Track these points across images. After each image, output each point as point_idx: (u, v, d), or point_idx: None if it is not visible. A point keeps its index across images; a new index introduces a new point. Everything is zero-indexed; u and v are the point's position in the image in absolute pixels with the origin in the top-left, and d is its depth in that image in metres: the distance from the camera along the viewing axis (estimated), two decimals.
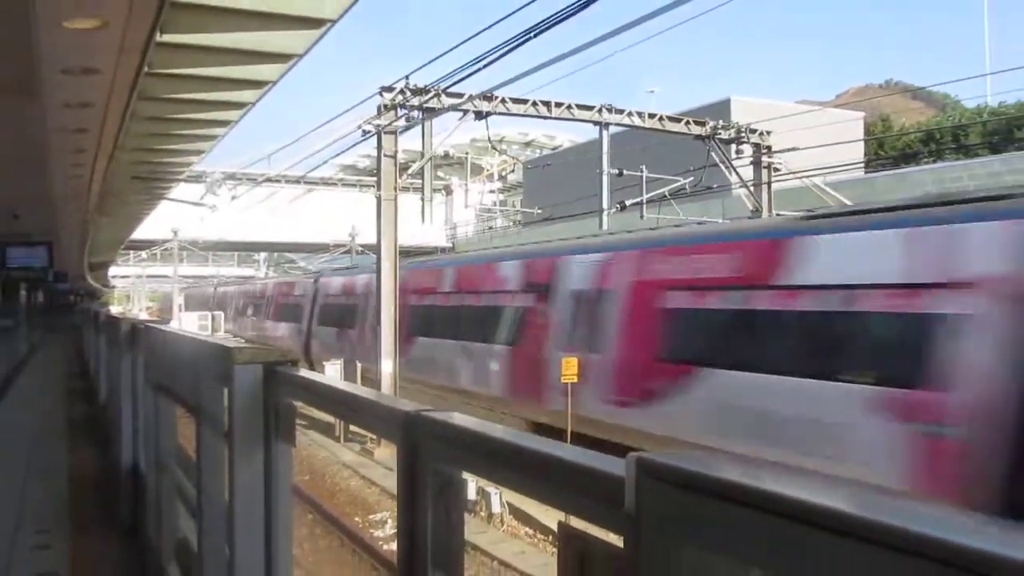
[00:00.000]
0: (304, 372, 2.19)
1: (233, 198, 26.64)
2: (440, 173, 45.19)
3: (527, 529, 11.51)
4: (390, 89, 15.50)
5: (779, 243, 9.54)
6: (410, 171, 17.54)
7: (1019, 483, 6.72)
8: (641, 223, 18.49)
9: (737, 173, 19.49)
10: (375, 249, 17.01)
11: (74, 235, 17.35)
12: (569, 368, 11.53)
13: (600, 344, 11.66)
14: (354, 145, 18.56)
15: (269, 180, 26.76)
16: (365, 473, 14.85)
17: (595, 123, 18.40)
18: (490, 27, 10.85)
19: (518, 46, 10.86)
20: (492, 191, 49.45)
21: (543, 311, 13.49)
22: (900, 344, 8.13)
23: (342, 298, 22.20)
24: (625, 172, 19.05)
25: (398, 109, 15.52)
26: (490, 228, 39.76)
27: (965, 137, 31.90)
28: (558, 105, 17.50)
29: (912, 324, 7.89)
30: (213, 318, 37.72)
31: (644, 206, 19.28)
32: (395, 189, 16.07)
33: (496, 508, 11.84)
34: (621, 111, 18.26)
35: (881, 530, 0.61)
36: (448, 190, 41.27)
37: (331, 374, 17.19)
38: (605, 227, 18.35)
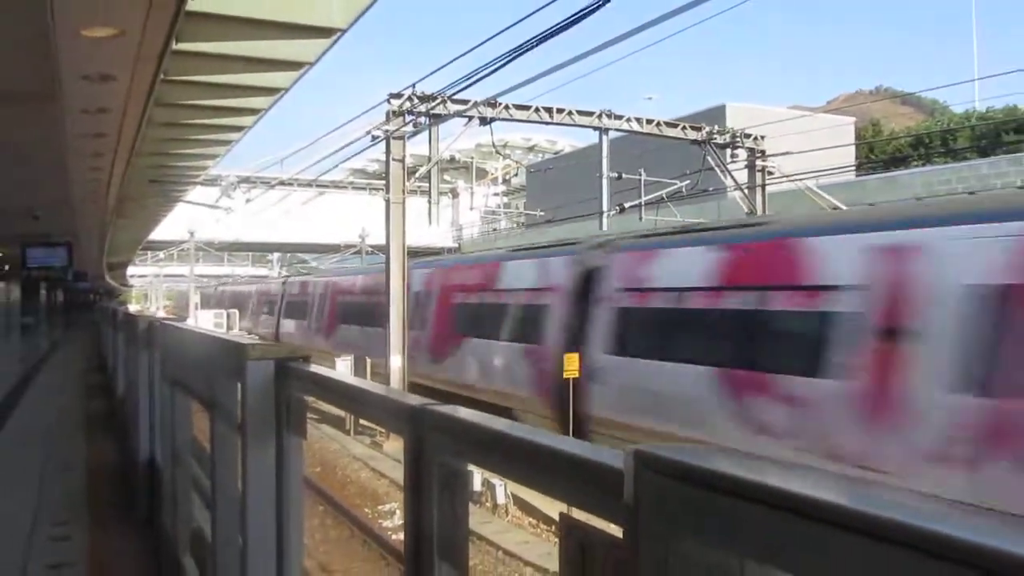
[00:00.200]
0: (314, 368, 2.20)
1: (247, 200, 26.94)
2: (446, 177, 45.35)
3: (531, 519, 11.60)
4: (398, 96, 15.73)
5: (496, 265, 16.27)
6: (418, 175, 17.73)
7: None
8: (640, 225, 18.81)
9: (732, 177, 19.71)
10: (384, 250, 17.23)
11: (93, 236, 17.58)
12: (571, 364, 11.54)
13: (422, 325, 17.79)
14: (364, 150, 18.89)
15: (282, 183, 27.00)
16: (374, 465, 14.96)
17: (595, 128, 18.66)
18: (493, 37, 11.06)
19: (520, 55, 11.03)
20: (496, 194, 49.63)
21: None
22: (519, 319, 14.62)
23: (299, 296, 30.10)
24: (624, 175, 19.34)
25: (406, 115, 15.75)
26: (494, 230, 40.07)
27: (954, 141, 31.86)
28: (559, 111, 17.76)
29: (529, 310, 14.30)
30: (228, 316, 38.07)
31: (643, 208, 19.66)
32: (403, 192, 16.31)
33: (501, 499, 11.93)
34: (620, 117, 18.48)
35: (877, 523, 0.61)
36: (454, 193, 41.62)
37: (342, 370, 17.41)
38: (605, 228, 18.56)
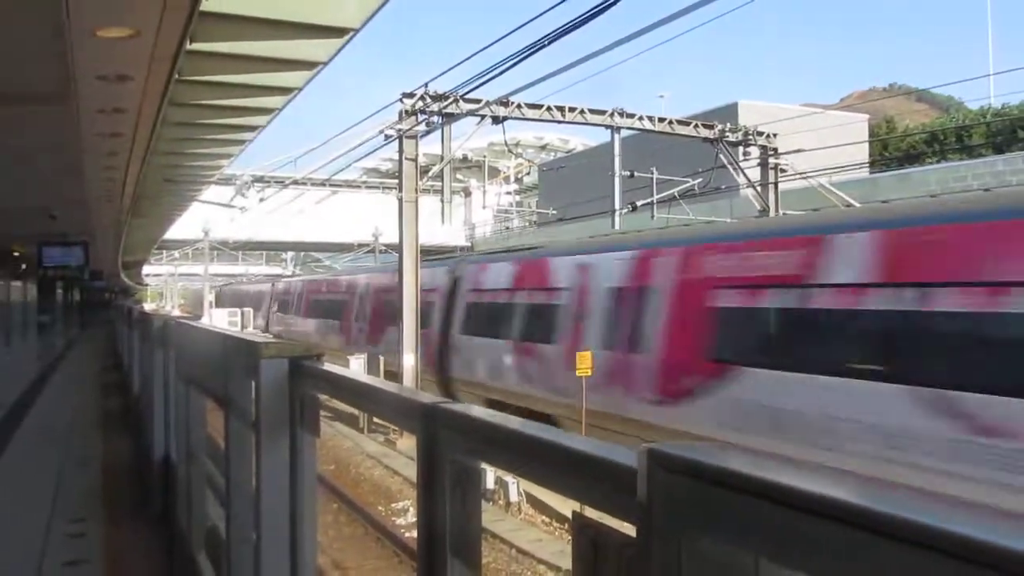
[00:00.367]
0: (328, 366, 2.22)
1: (261, 200, 27.07)
2: (459, 176, 45.46)
3: (544, 517, 11.60)
4: (411, 95, 15.76)
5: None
6: (430, 174, 17.79)
7: None
8: (652, 223, 18.81)
9: (744, 174, 19.61)
10: (397, 248, 17.28)
11: (109, 235, 17.73)
12: (583, 362, 11.66)
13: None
14: (377, 149, 18.98)
15: (296, 183, 27.12)
16: (388, 463, 15.00)
17: (607, 127, 18.63)
18: (505, 36, 11.09)
19: (532, 53, 11.03)
20: (509, 193, 49.74)
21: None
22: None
23: (284, 295, 34.72)
24: (636, 174, 19.29)
25: (418, 114, 15.79)
26: (507, 228, 40.16)
27: (968, 138, 31.47)
28: (571, 110, 17.74)
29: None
30: (243, 314, 38.31)
31: (655, 207, 19.64)
32: (416, 191, 16.36)
33: (514, 497, 11.94)
34: (632, 115, 18.44)
35: (891, 522, 0.61)
36: (467, 192, 41.76)
37: (355, 368, 17.51)
38: (617, 227, 18.57)
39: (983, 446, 7.12)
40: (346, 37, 5.95)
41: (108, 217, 14.27)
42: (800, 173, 18.79)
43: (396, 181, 18.09)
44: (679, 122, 19.46)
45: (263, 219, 30.92)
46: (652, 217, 19.75)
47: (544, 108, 17.29)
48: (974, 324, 7.57)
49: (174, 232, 28.39)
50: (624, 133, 18.80)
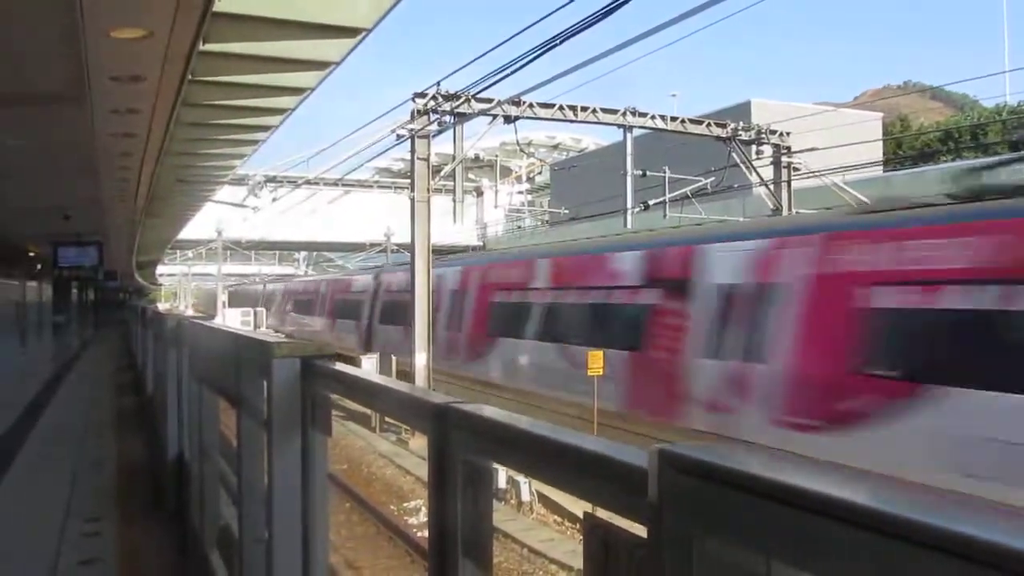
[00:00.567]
0: (339, 366, 2.22)
1: (274, 200, 27.22)
2: (471, 175, 45.51)
3: (556, 517, 11.62)
4: (423, 95, 15.77)
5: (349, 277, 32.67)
6: (442, 173, 17.82)
7: None
8: (664, 222, 18.77)
9: (757, 173, 19.54)
10: (409, 248, 17.31)
11: (123, 235, 17.86)
12: (595, 362, 11.70)
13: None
14: (389, 149, 19.01)
15: (308, 183, 27.27)
16: (400, 462, 15.07)
17: (619, 126, 18.60)
18: (516, 35, 11.06)
19: (544, 52, 11.04)
20: (521, 192, 49.81)
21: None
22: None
23: (276, 295, 40.55)
24: (648, 173, 19.23)
25: (430, 114, 15.79)
26: (519, 227, 40.18)
27: (984, 136, 31.11)
28: (583, 109, 17.73)
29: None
30: (256, 314, 38.52)
31: (667, 206, 19.57)
32: (428, 191, 16.38)
33: (525, 497, 11.97)
34: (644, 114, 18.42)
35: (902, 524, 0.60)
36: (479, 191, 41.78)
37: (367, 367, 17.56)
38: (629, 226, 18.49)
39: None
40: (358, 37, 5.95)
41: (122, 217, 14.37)
42: (813, 172, 18.68)
43: (408, 181, 18.13)
44: (691, 121, 19.43)
45: (276, 219, 31.07)
46: (664, 216, 19.69)
47: (556, 107, 17.30)
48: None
49: (187, 232, 28.56)
50: (636, 132, 18.77)
